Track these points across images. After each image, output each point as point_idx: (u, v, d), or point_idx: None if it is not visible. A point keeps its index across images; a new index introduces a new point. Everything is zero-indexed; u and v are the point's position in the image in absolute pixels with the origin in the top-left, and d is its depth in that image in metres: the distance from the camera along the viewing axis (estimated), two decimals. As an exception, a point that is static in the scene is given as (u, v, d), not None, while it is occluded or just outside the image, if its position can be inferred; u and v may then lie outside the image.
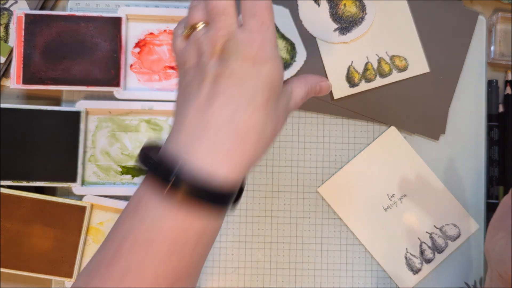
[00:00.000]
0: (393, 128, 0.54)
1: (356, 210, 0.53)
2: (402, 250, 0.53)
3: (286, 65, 0.53)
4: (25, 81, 0.50)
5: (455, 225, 0.53)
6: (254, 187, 0.53)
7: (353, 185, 0.53)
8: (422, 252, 0.53)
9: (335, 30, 0.53)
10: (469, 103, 0.55)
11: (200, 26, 0.33)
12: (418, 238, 0.53)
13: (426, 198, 0.53)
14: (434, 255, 0.53)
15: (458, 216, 0.53)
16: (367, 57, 0.54)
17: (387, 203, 0.53)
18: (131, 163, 0.52)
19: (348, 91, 0.53)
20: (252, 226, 0.53)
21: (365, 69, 0.53)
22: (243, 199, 0.53)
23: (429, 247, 0.53)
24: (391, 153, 0.53)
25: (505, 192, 0.54)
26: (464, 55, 0.54)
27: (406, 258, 0.53)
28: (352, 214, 0.53)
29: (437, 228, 0.53)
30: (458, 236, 0.53)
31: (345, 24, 0.53)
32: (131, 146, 0.52)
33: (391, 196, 0.53)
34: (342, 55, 0.53)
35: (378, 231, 0.53)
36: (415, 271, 0.53)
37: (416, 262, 0.53)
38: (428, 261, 0.53)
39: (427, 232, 0.53)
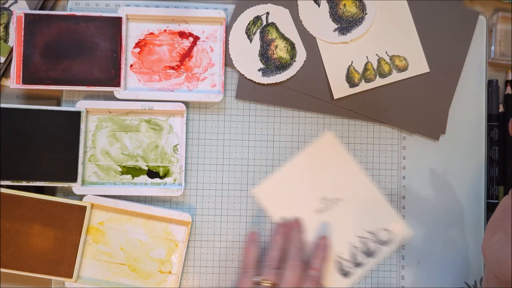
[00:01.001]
0: (329, 133, 0.53)
1: (289, 213, 0.53)
2: (332, 253, 0.53)
3: (286, 65, 0.53)
4: (25, 81, 0.50)
5: (387, 230, 0.53)
6: (255, 187, 0.53)
7: (287, 187, 0.53)
8: (352, 256, 0.53)
9: (335, 30, 0.53)
10: (469, 103, 0.55)
11: (268, 285, 0.47)
12: (349, 242, 0.53)
13: (358, 202, 0.53)
14: (364, 259, 0.53)
15: (390, 221, 0.53)
16: (367, 57, 0.54)
17: (319, 207, 0.53)
18: (131, 163, 0.52)
19: (348, 91, 0.53)
20: (252, 226, 0.53)
21: (365, 69, 0.53)
22: (244, 198, 0.53)
23: (359, 251, 0.53)
24: (326, 157, 0.53)
25: (505, 192, 0.54)
26: (464, 55, 0.54)
27: (336, 261, 0.53)
28: (283, 215, 0.53)
29: (368, 232, 0.53)
30: (390, 240, 0.53)
31: (345, 24, 0.53)
32: (131, 146, 0.52)
33: (324, 200, 0.53)
34: (342, 55, 0.53)
35: (309, 235, 0.53)
36: (345, 274, 0.52)
37: (346, 265, 0.53)
38: (358, 265, 0.53)
39: (358, 236, 0.53)
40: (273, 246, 0.50)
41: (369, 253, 0.53)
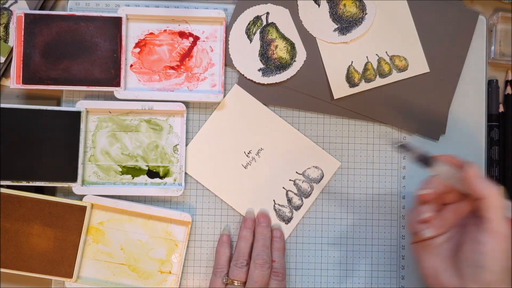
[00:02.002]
0: (236, 86, 0.53)
1: (217, 174, 0.53)
2: (270, 203, 0.53)
3: (286, 65, 0.53)
4: (25, 81, 0.50)
5: (316, 167, 0.53)
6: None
7: (209, 150, 0.53)
8: (289, 201, 0.53)
9: (335, 30, 0.53)
10: (469, 103, 0.55)
11: (238, 284, 0.48)
12: (283, 188, 0.53)
13: (283, 147, 0.53)
14: (302, 200, 0.53)
15: (318, 158, 0.53)
16: (367, 57, 0.54)
17: (245, 161, 0.53)
18: (131, 163, 0.52)
19: (348, 91, 0.53)
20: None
21: (365, 69, 0.53)
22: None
23: (295, 194, 0.53)
24: (240, 110, 0.53)
25: (505, 192, 0.54)
26: (464, 55, 0.54)
27: (275, 210, 0.53)
28: (214, 178, 0.53)
29: (299, 173, 0.53)
30: (322, 177, 0.53)
31: (345, 24, 0.53)
32: (131, 146, 0.52)
33: (248, 153, 0.53)
34: (342, 55, 0.53)
35: (243, 191, 0.53)
36: (287, 221, 0.53)
37: (286, 211, 0.53)
38: (297, 207, 0.53)
39: (290, 180, 0.53)
40: (240, 242, 0.51)
41: (305, 194, 0.53)
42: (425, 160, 0.45)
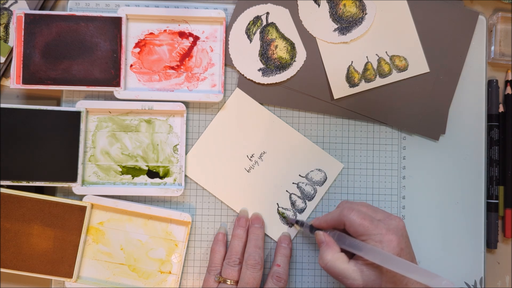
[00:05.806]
0: (237, 90, 0.53)
1: (220, 179, 0.53)
2: (273, 206, 0.53)
3: (286, 65, 0.53)
4: (25, 81, 0.50)
5: (319, 170, 0.53)
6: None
7: (211, 155, 0.53)
8: (293, 204, 0.53)
9: (335, 30, 0.53)
10: (469, 103, 0.55)
11: (231, 283, 0.49)
12: (287, 191, 0.53)
13: (285, 150, 0.53)
14: (305, 203, 0.53)
15: (320, 161, 0.53)
16: (367, 57, 0.54)
17: (248, 164, 0.53)
18: (131, 163, 0.52)
19: (348, 91, 0.53)
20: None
21: (365, 69, 0.53)
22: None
23: (298, 197, 0.53)
24: (242, 114, 0.53)
25: (505, 192, 0.54)
26: (464, 55, 0.54)
27: (279, 213, 0.53)
28: (218, 183, 0.53)
29: (302, 176, 0.53)
30: (325, 179, 0.53)
31: (345, 24, 0.53)
32: (131, 146, 0.52)
33: (251, 157, 0.53)
34: (342, 55, 0.53)
35: (246, 194, 0.53)
36: (291, 224, 0.53)
37: (290, 214, 0.53)
38: (301, 210, 0.53)
39: (293, 182, 0.53)
40: (233, 241, 0.51)
41: (308, 197, 0.53)
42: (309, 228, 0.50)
